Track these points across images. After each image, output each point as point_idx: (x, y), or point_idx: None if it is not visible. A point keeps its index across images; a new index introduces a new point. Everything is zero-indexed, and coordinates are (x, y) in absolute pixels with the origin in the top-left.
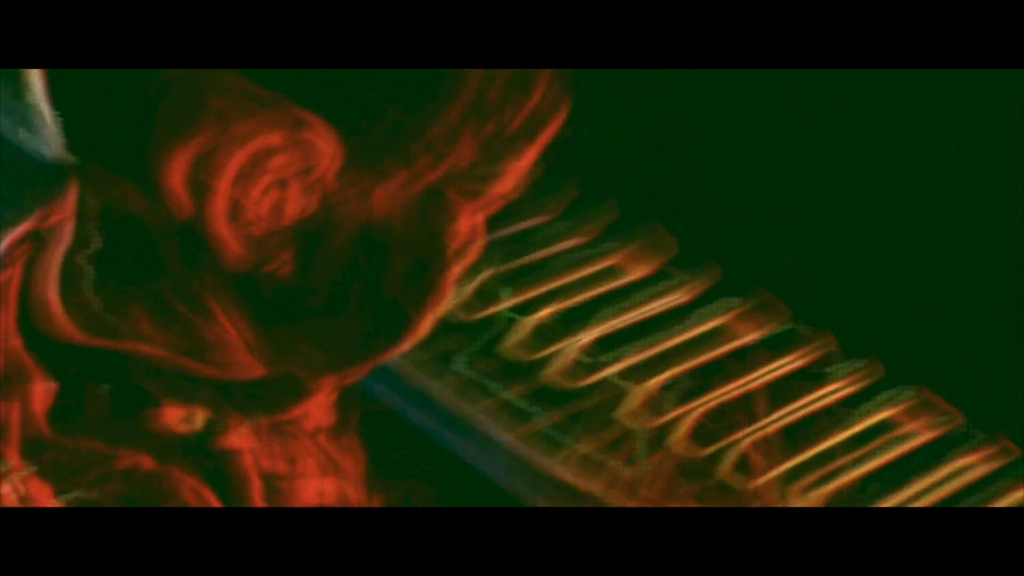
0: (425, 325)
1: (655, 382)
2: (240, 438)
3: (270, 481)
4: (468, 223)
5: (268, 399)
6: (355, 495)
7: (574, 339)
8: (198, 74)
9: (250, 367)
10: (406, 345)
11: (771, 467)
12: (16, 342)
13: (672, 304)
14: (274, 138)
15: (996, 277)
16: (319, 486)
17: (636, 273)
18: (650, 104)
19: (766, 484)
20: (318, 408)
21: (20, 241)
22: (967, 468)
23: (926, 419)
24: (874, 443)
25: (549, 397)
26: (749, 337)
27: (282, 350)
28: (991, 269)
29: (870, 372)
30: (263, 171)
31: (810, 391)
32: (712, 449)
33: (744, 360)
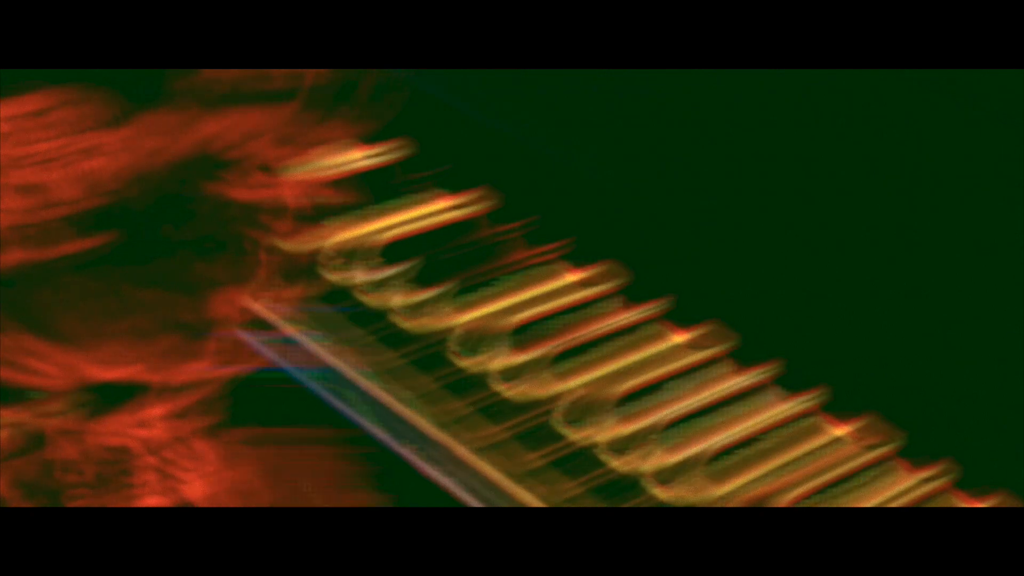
0: (233, 304)
1: (608, 396)
2: (72, 448)
3: (102, 489)
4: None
5: (96, 407)
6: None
7: (527, 350)
8: None
9: (60, 375)
10: (220, 327)
11: (720, 485)
12: None
13: (623, 324)
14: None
15: (945, 304)
16: (157, 498)
17: (590, 292)
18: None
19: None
20: (158, 415)
21: None
22: (910, 489)
23: (871, 440)
24: (819, 463)
25: (501, 407)
26: (700, 358)
27: (84, 348)
28: (941, 296)
29: (817, 394)
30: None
31: (757, 412)
32: (666, 462)
33: (695, 381)
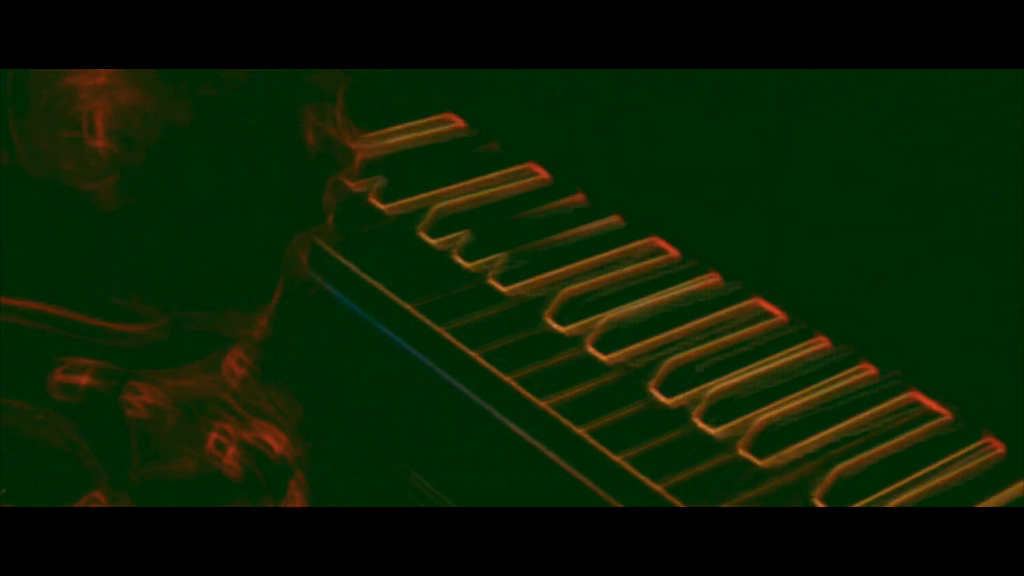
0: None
1: (665, 367)
2: (144, 398)
3: (175, 442)
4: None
5: (170, 357)
6: (277, 452)
7: (587, 322)
8: None
9: (144, 326)
10: (290, 281)
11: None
12: None
13: (674, 296)
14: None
15: (989, 277)
16: (229, 448)
17: (642, 265)
18: (650, 105)
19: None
20: (228, 365)
21: None
22: (954, 465)
23: (915, 416)
24: (862, 439)
25: (560, 373)
26: (743, 334)
27: (167, 305)
28: (985, 270)
29: (861, 370)
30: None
31: (801, 389)
32: (722, 429)
33: (740, 356)
